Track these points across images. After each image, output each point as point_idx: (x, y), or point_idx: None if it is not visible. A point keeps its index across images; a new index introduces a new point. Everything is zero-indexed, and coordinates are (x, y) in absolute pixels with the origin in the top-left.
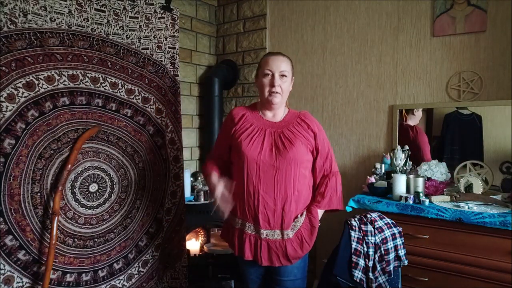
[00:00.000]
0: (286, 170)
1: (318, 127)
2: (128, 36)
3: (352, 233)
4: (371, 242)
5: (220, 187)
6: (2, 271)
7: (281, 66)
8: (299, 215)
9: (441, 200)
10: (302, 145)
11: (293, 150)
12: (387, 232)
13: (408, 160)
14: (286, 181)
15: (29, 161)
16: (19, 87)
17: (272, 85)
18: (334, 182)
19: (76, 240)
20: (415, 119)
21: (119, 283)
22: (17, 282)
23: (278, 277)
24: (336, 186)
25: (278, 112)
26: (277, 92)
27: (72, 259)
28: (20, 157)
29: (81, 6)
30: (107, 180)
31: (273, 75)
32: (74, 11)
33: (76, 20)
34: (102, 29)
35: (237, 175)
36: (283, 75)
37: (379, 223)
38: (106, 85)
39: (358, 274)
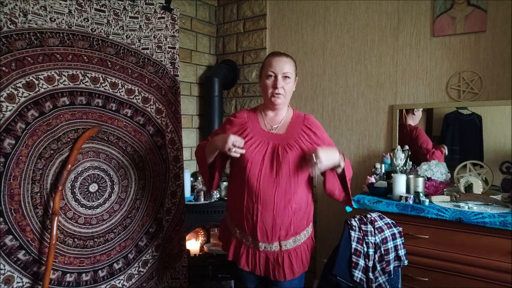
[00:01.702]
0: (286, 186)
1: (323, 136)
2: (128, 36)
3: (352, 233)
4: (371, 242)
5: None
6: (2, 271)
7: (284, 67)
8: (304, 231)
9: (441, 200)
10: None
11: (294, 166)
12: (387, 232)
13: (408, 160)
14: (285, 196)
15: (29, 161)
16: (19, 87)
17: (274, 87)
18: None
19: (76, 240)
20: (415, 119)
21: (119, 283)
22: (17, 282)
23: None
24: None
25: (281, 113)
26: (279, 94)
27: (72, 259)
28: (20, 157)
29: (81, 6)
30: (107, 180)
31: (276, 77)
32: (74, 11)
33: (76, 20)
34: (102, 29)
35: (237, 187)
36: (286, 77)
37: (379, 223)
38: (106, 85)
39: (358, 274)
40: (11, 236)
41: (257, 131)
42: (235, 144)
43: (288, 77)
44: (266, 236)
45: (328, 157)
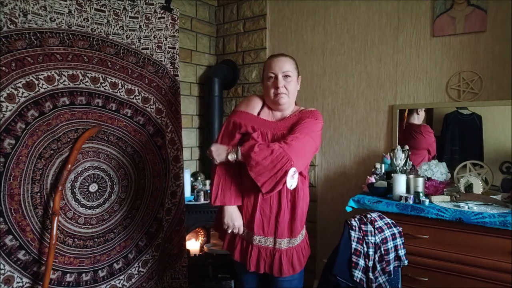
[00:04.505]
0: None
1: (302, 125)
2: (128, 36)
3: (352, 233)
4: (371, 242)
5: (239, 222)
6: (2, 271)
7: (283, 67)
8: (299, 235)
9: (441, 200)
10: None
11: None
12: (387, 232)
13: (408, 160)
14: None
15: (29, 161)
16: (19, 87)
17: (276, 87)
18: (277, 149)
19: (76, 240)
20: (419, 119)
21: (119, 283)
22: (17, 282)
23: (275, 276)
24: (271, 154)
25: (287, 113)
26: (282, 93)
27: (72, 259)
28: (20, 157)
29: (81, 6)
30: (107, 180)
31: (276, 77)
32: (74, 11)
33: (76, 20)
34: (102, 29)
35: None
36: (286, 76)
37: (379, 223)
38: (106, 85)
39: (358, 274)
40: (11, 236)
41: (262, 122)
42: (234, 230)
43: (289, 75)
44: (262, 228)
45: (217, 152)
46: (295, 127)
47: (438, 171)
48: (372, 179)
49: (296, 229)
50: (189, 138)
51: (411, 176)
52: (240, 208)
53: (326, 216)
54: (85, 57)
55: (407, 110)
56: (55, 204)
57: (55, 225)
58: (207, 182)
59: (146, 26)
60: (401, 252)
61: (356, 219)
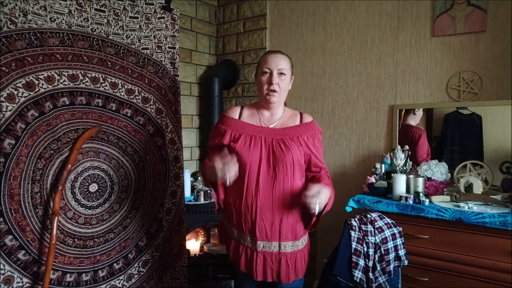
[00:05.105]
0: (283, 180)
1: (319, 136)
2: (128, 36)
3: (352, 233)
4: (371, 242)
5: (219, 160)
6: (2, 271)
7: (279, 64)
8: (301, 238)
9: (441, 200)
10: (298, 151)
11: (290, 156)
12: (387, 232)
13: (408, 160)
14: (284, 191)
15: (29, 161)
16: (19, 87)
17: (270, 83)
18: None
19: (76, 240)
20: (416, 119)
21: (119, 283)
22: (17, 282)
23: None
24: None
25: (277, 112)
26: (274, 91)
27: (72, 259)
28: (20, 157)
29: (81, 6)
30: (107, 180)
31: (271, 73)
32: (74, 11)
33: (76, 20)
34: (102, 29)
35: (236, 188)
36: (281, 73)
37: (379, 223)
38: (106, 85)
39: (358, 274)
40: (11, 236)
41: (253, 128)
42: (225, 176)
43: (284, 73)
44: (265, 233)
45: (324, 199)
46: (310, 147)
47: (438, 171)
48: (372, 179)
49: (299, 231)
50: (189, 138)
51: (411, 176)
52: (240, 215)
53: (326, 216)
54: (85, 57)
55: (404, 109)
56: (55, 204)
57: (55, 225)
58: None
59: (146, 26)
60: (401, 252)
61: (356, 219)
